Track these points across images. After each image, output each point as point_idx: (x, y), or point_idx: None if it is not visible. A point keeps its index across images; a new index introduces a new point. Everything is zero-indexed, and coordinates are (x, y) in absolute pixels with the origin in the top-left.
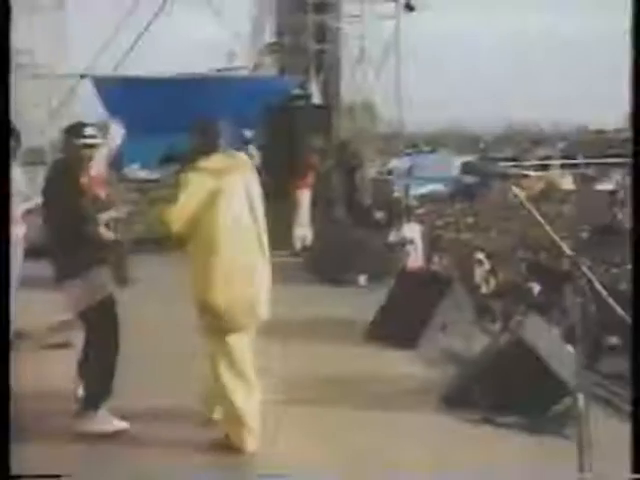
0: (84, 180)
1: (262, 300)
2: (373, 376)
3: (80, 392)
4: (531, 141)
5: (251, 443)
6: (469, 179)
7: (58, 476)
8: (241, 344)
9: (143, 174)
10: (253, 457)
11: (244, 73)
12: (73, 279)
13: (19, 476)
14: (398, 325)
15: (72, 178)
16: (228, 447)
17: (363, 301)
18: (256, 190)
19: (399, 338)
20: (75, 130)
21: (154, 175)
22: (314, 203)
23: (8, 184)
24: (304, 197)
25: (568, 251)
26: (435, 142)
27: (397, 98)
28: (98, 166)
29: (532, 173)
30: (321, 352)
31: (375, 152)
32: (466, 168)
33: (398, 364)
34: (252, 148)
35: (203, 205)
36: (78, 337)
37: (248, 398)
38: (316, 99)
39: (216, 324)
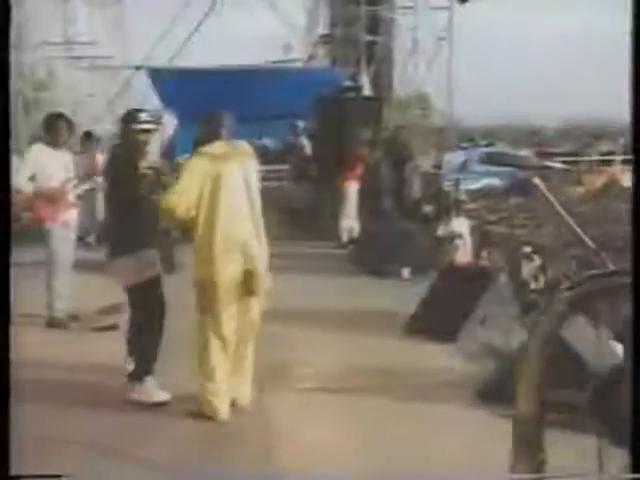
0: (141, 164)
1: (259, 274)
2: (412, 368)
3: (128, 365)
4: (592, 135)
5: (223, 412)
6: (525, 174)
7: (58, 476)
8: (231, 319)
9: None
10: (288, 446)
11: (299, 65)
12: (125, 256)
13: (18, 476)
14: (439, 318)
15: (129, 161)
16: (201, 416)
17: (405, 294)
18: (254, 178)
19: (439, 331)
20: (131, 116)
21: None
22: (362, 195)
23: (8, 183)
24: (352, 189)
25: (591, 244)
26: (491, 136)
27: (449, 90)
28: (152, 153)
29: (558, 165)
30: (361, 343)
31: (428, 145)
32: (491, 158)
33: (437, 357)
34: (303, 139)
35: (203, 189)
36: (125, 320)
37: (229, 374)
38: (367, 91)
39: (212, 295)
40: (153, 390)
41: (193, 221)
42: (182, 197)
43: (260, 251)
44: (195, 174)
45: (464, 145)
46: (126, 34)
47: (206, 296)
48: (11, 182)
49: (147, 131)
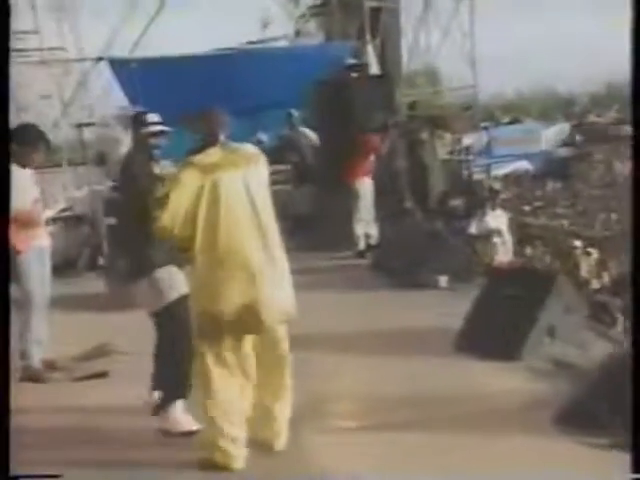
0: (157, 171)
1: (267, 304)
2: (466, 394)
3: (154, 396)
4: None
5: (239, 461)
6: (563, 152)
7: (58, 476)
8: (238, 351)
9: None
10: None
11: (283, 43)
12: (147, 277)
13: (18, 476)
14: (494, 332)
15: (145, 169)
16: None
17: (447, 306)
18: (261, 187)
19: (497, 348)
20: (140, 120)
21: None
22: (377, 193)
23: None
24: (365, 186)
25: None
26: (515, 110)
27: (472, 60)
28: None
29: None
30: (402, 368)
31: (445, 127)
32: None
33: (496, 378)
34: (302, 131)
35: (198, 204)
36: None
37: (235, 425)
38: (374, 69)
39: (214, 328)
40: (182, 417)
41: (190, 240)
42: (174, 216)
43: (273, 274)
44: (186, 188)
45: (484, 124)
46: (76, 21)
47: (211, 328)
48: None
49: (158, 134)
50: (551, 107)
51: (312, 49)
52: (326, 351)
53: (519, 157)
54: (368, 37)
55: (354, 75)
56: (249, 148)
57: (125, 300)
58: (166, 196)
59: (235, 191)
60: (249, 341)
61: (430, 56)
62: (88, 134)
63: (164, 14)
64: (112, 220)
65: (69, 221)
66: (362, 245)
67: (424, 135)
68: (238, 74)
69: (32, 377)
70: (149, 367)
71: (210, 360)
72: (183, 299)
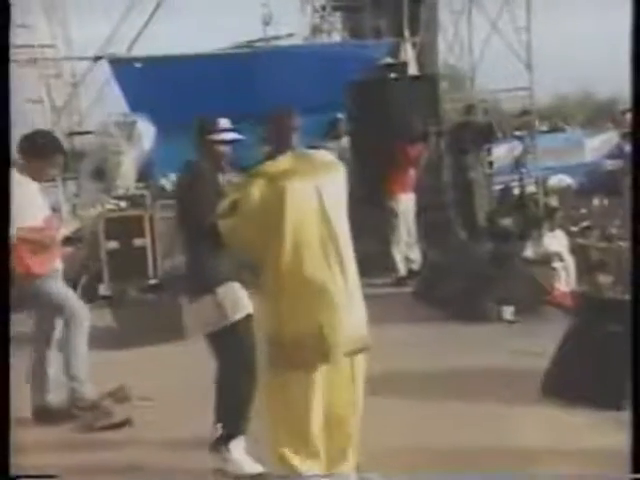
0: (223, 181)
1: (339, 331)
2: (556, 449)
3: (217, 430)
4: None
5: None
6: (611, 164)
7: (57, 476)
8: (307, 383)
9: None
10: None
11: (294, 41)
12: (207, 295)
13: (17, 476)
14: (589, 375)
15: (212, 179)
16: None
17: (517, 342)
18: (333, 196)
19: (593, 393)
20: (206, 125)
21: None
22: (420, 210)
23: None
24: (405, 203)
25: None
26: (555, 116)
27: (528, 58)
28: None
29: None
30: (472, 417)
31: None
32: None
33: (594, 431)
34: (345, 139)
35: (265, 216)
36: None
37: (307, 459)
38: (412, 68)
39: (282, 357)
40: (243, 457)
41: (258, 257)
42: (242, 229)
43: (347, 297)
44: (254, 199)
45: (518, 133)
46: (68, 17)
47: (277, 355)
48: None
49: (227, 142)
50: (596, 113)
51: (340, 47)
52: (374, 396)
53: (558, 170)
54: (407, 33)
55: (392, 76)
56: (325, 154)
57: (187, 319)
58: (233, 207)
59: (305, 202)
60: (320, 372)
61: (474, 55)
62: (83, 144)
63: (162, 11)
64: (113, 244)
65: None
66: (403, 271)
67: (470, 145)
68: (257, 75)
69: (54, 416)
70: (175, 414)
71: (277, 390)
72: (247, 320)
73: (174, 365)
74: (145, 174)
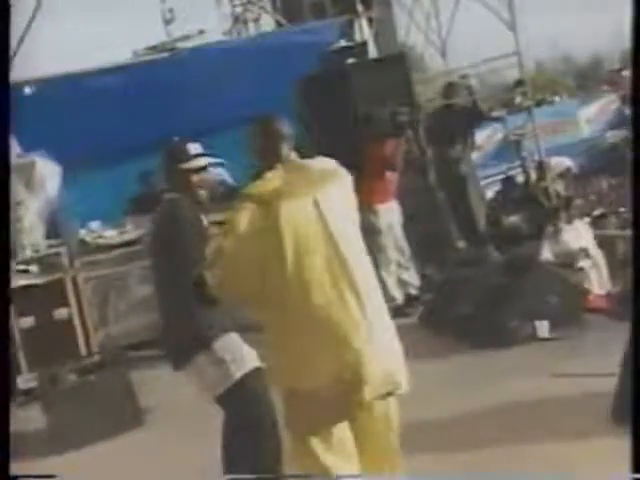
0: (206, 219)
1: (364, 373)
2: None
3: None
4: None
5: None
6: (613, 135)
7: (56, 476)
8: (335, 437)
9: (112, 235)
10: None
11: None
12: (201, 353)
13: (18, 476)
14: None
15: (191, 220)
16: None
17: (560, 363)
18: (337, 210)
19: None
20: (177, 152)
21: (131, 233)
22: (407, 220)
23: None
24: (389, 214)
25: None
26: (539, 86)
27: (512, 18)
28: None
29: None
30: (529, 460)
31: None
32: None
33: None
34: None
35: (259, 247)
36: None
37: None
38: (371, 50)
39: (302, 410)
40: None
41: (257, 297)
42: (232, 271)
43: (370, 330)
44: (242, 230)
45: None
46: None
47: (298, 410)
48: None
49: (200, 169)
50: (581, 79)
51: (276, 36)
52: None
53: (553, 151)
54: (359, 8)
55: (350, 62)
56: (323, 162)
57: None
58: (219, 251)
59: (304, 223)
60: (347, 422)
61: (442, 24)
62: None
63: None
64: (28, 321)
65: None
66: (399, 298)
67: (455, 133)
68: (179, 85)
69: None
70: None
71: (301, 448)
72: (256, 373)
73: (137, 460)
74: (56, 227)
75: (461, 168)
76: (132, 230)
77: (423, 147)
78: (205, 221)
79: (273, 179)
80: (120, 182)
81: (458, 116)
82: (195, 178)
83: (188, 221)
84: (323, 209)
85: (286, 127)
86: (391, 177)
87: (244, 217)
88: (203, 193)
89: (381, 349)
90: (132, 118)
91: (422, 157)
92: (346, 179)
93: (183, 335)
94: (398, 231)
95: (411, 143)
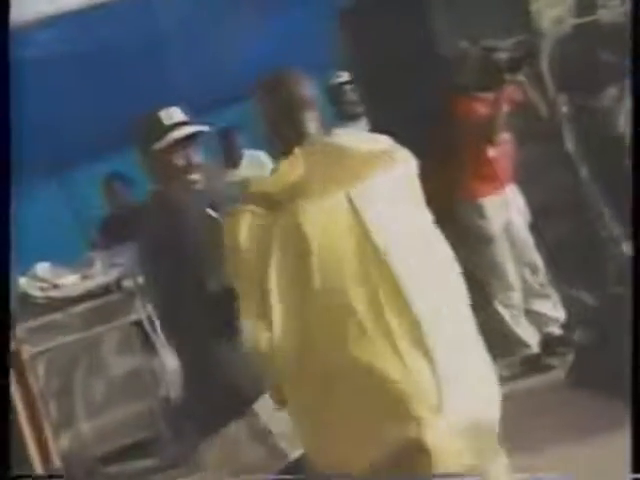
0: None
1: (435, 440)
2: None
3: None
4: None
5: None
6: None
7: (58, 476)
8: None
9: (72, 282)
10: None
11: None
12: (239, 418)
13: (19, 476)
14: None
15: (192, 215)
16: None
17: None
18: (389, 211)
19: None
20: (147, 130)
21: (101, 274)
22: (538, 220)
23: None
24: (506, 210)
25: None
26: None
27: None
28: None
29: None
30: None
31: None
32: None
33: None
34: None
35: (264, 280)
36: None
37: None
38: None
39: None
40: None
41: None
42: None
43: (434, 383)
44: (243, 252)
45: None
46: None
47: None
48: None
49: (183, 144)
50: None
51: None
52: None
53: None
54: None
55: None
56: (368, 141)
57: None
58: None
59: (334, 234)
60: None
61: None
62: None
63: None
64: None
65: None
66: (531, 341)
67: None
68: (156, 38)
69: None
70: None
71: None
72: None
73: None
74: None
75: (617, 125)
76: (103, 270)
77: (551, 97)
78: (215, 214)
79: (288, 170)
80: (77, 195)
81: (606, 42)
82: (178, 158)
83: (189, 225)
84: (361, 210)
85: (309, 89)
86: (502, 151)
87: (243, 229)
88: (195, 178)
89: (459, 416)
90: (85, 95)
91: (551, 114)
92: (407, 164)
93: (208, 393)
94: (523, 235)
95: (531, 93)
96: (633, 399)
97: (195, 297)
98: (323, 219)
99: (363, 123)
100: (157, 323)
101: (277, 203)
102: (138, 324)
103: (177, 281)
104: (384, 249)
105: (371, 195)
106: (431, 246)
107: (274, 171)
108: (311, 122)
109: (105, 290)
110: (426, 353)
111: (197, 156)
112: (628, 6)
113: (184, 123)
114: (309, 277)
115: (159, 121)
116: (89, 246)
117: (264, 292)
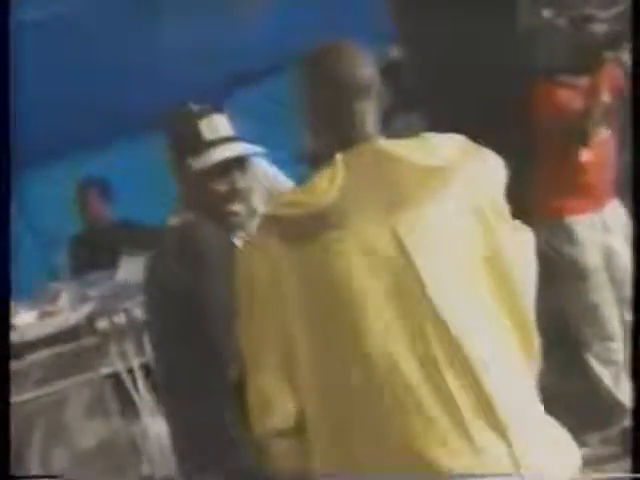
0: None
1: None
2: None
3: None
4: None
5: None
6: None
7: (58, 476)
8: None
9: (28, 322)
10: None
11: None
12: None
13: (18, 476)
14: None
15: (223, 255)
16: None
17: None
18: (437, 259)
19: None
20: (190, 139)
21: (70, 311)
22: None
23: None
24: (604, 234)
25: None
26: None
27: None
28: None
29: None
30: None
31: None
32: None
33: None
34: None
35: (285, 328)
36: None
37: None
38: None
39: None
40: None
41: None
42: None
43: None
44: (260, 294)
45: None
46: None
47: None
48: None
49: (231, 167)
50: None
51: None
52: None
53: None
54: None
55: None
56: (438, 143)
57: None
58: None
59: (376, 277)
60: None
61: None
62: None
63: None
64: None
65: None
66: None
67: None
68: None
69: None
70: None
71: None
72: None
73: None
74: None
75: None
76: (70, 306)
77: None
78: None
79: (325, 188)
80: (35, 205)
81: None
82: (219, 183)
83: (218, 266)
84: (412, 251)
85: (369, 68)
86: (599, 154)
87: (260, 264)
88: (237, 209)
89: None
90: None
91: None
92: (492, 171)
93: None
94: (626, 267)
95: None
96: (633, 399)
97: (210, 359)
98: (359, 259)
99: (418, 115)
100: (140, 378)
101: (305, 231)
102: (114, 377)
103: (191, 342)
104: (441, 305)
105: (426, 231)
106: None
107: (306, 188)
108: (367, 115)
109: (72, 332)
110: (502, 433)
111: (243, 181)
112: None
113: (230, 139)
114: (342, 334)
115: (199, 134)
116: (52, 274)
117: (286, 349)
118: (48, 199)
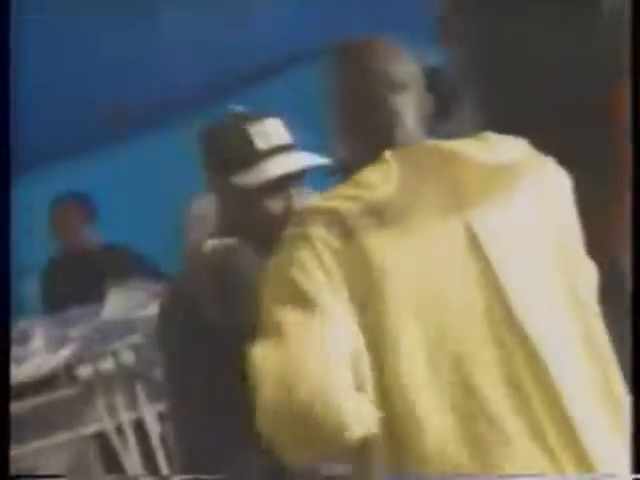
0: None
1: None
2: None
3: None
4: None
5: None
6: None
7: (59, 476)
8: None
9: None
10: None
11: None
12: None
13: (18, 476)
14: None
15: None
16: None
17: None
18: (513, 259)
19: None
20: (238, 150)
21: (49, 354)
22: None
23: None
24: None
25: None
26: None
27: None
28: None
29: None
30: None
31: None
32: None
33: None
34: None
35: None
36: None
37: None
38: None
39: None
40: None
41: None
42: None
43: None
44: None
45: None
46: None
47: None
48: None
49: (288, 182)
50: None
51: None
52: None
53: None
54: None
55: None
56: (498, 147)
57: None
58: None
59: (446, 282)
60: None
61: None
62: None
63: None
64: None
65: None
66: None
67: None
68: None
69: None
70: None
71: None
72: None
73: None
74: None
75: None
76: (46, 349)
77: None
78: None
79: (378, 182)
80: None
81: None
82: (274, 202)
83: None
84: (488, 250)
85: (410, 66)
86: None
87: (305, 261)
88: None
89: None
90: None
91: None
92: (557, 184)
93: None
94: None
95: None
96: (633, 399)
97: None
98: (424, 263)
99: (468, 120)
100: (132, 437)
101: (354, 230)
102: (100, 437)
103: (214, 393)
104: (523, 314)
105: (500, 229)
106: (582, 317)
107: (354, 183)
108: (408, 113)
109: (48, 382)
110: (584, 459)
111: (300, 198)
112: None
113: (287, 147)
114: (401, 353)
115: (249, 143)
116: (20, 309)
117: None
118: (14, 215)
